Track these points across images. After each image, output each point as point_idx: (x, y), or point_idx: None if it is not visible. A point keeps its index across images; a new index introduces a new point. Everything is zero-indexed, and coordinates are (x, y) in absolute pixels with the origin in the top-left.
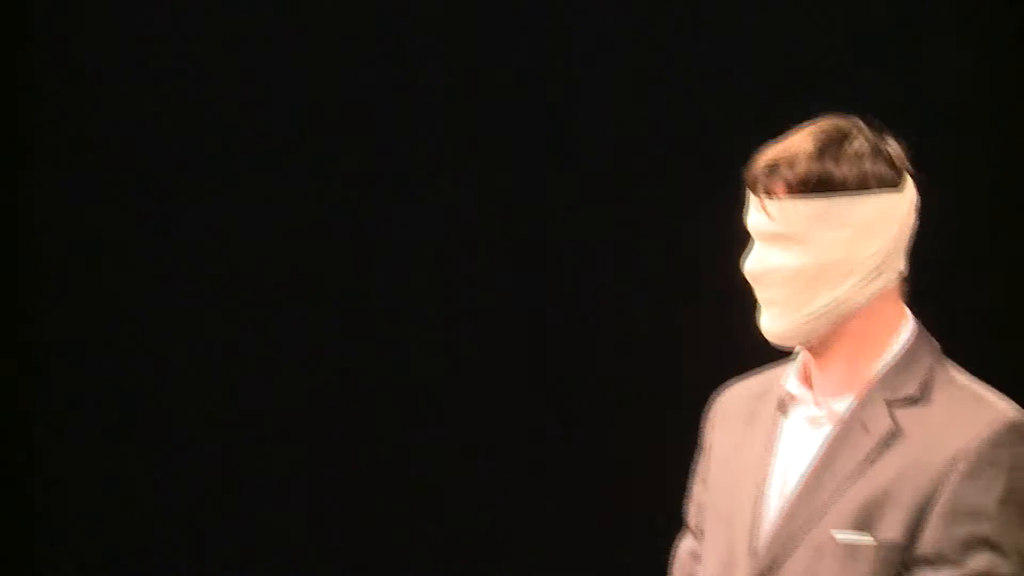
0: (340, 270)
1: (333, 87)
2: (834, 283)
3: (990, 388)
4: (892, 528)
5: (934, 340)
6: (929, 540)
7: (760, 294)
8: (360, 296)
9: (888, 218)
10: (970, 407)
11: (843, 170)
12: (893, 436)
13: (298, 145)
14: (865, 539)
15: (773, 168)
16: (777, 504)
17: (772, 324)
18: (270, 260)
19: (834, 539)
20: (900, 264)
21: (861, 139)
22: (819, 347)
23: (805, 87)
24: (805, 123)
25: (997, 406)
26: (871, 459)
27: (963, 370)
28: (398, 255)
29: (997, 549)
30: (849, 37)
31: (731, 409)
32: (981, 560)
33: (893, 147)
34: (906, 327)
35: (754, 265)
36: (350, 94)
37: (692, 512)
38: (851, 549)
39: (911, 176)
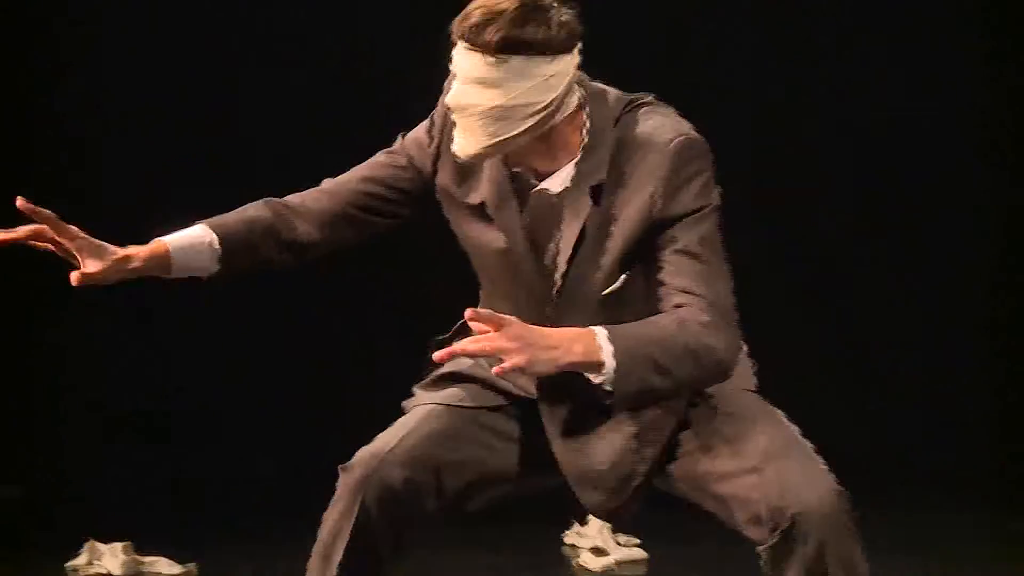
0: None
1: None
2: (517, 121)
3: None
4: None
5: (612, 115)
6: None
7: (458, 121)
8: None
9: (563, 74)
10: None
11: (538, 36)
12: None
13: None
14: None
15: (482, 26)
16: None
17: (463, 146)
18: None
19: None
20: (571, 103)
21: (553, 11)
22: (512, 156)
23: None
24: None
25: (664, 135)
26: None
27: (646, 114)
28: None
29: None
30: None
31: None
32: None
33: (571, 17)
34: (584, 125)
35: (457, 99)
36: None
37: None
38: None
39: (579, 41)
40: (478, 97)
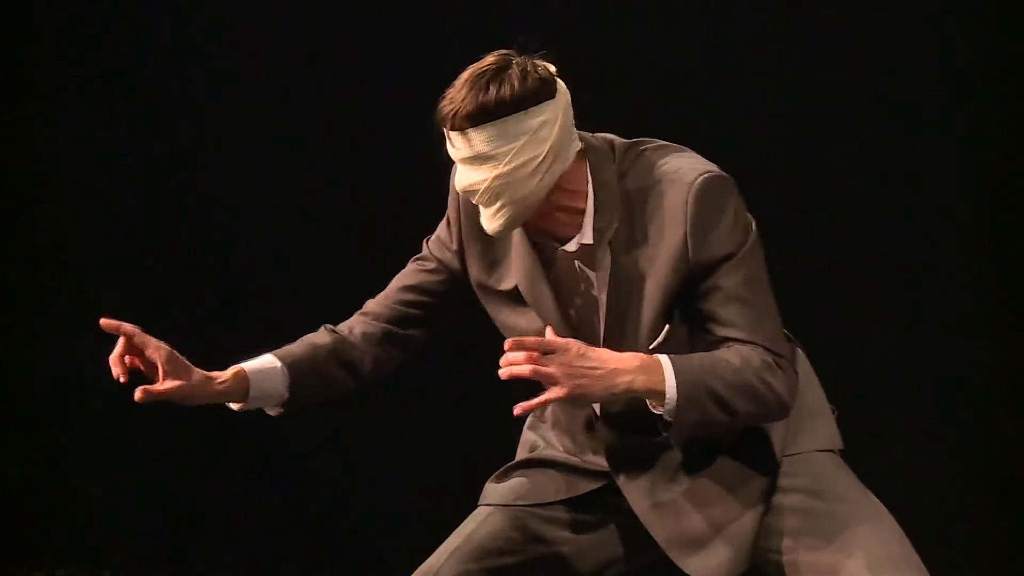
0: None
1: None
2: (522, 180)
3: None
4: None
5: (617, 162)
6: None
7: (474, 202)
8: None
9: (551, 122)
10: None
11: (505, 95)
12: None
13: None
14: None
15: (452, 108)
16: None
17: (489, 225)
18: None
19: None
20: (572, 149)
21: (514, 67)
22: (534, 226)
23: None
24: (469, 65)
25: (682, 177)
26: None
27: (653, 150)
28: None
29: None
30: None
31: None
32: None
33: (541, 64)
34: (598, 179)
35: (462, 183)
36: None
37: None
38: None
39: (560, 80)
40: (478, 174)
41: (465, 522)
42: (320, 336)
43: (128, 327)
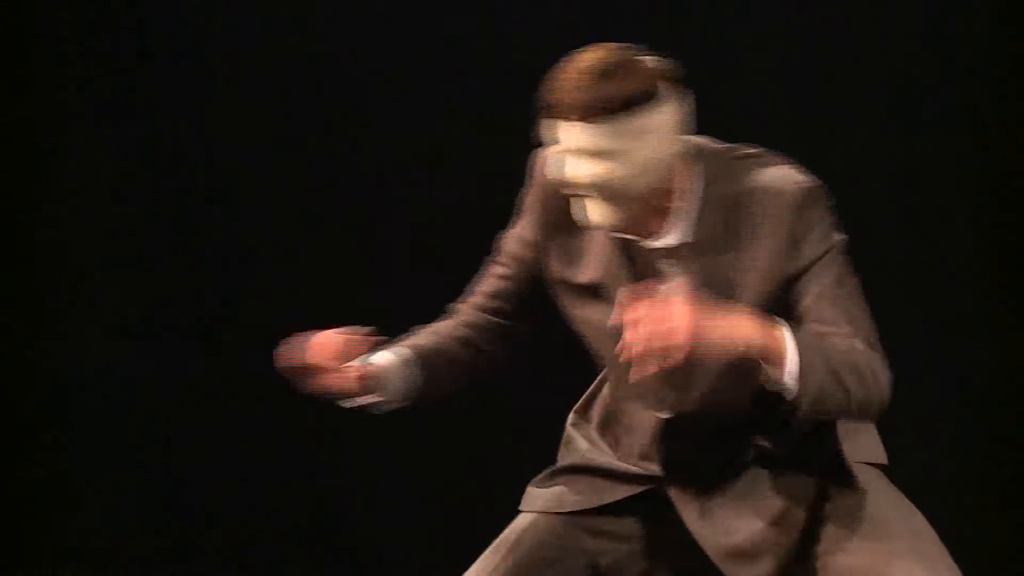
0: None
1: None
2: (638, 179)
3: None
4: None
5: (711, 164)
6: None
7: (581, 193)
8: None
9: (670, 123)
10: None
11: (626, 92)
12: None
13: None
14: None
15: (568, 98)
16: None
17: (596, 219)
18: None
19: None
20: (679, 151)
21: (635, 61)
22: (632, 221)
23: None
24: (582, 50)
25: (785, 183)
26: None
27: (754, 155)
28: None
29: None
30: None
31: None
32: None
33: (661, 63)
34: (693, 180)
35: (573, 174)
36: None
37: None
38: None
39: (678, 83)
40: (595, 168)
41: (507, 532)
42: (435, 325)
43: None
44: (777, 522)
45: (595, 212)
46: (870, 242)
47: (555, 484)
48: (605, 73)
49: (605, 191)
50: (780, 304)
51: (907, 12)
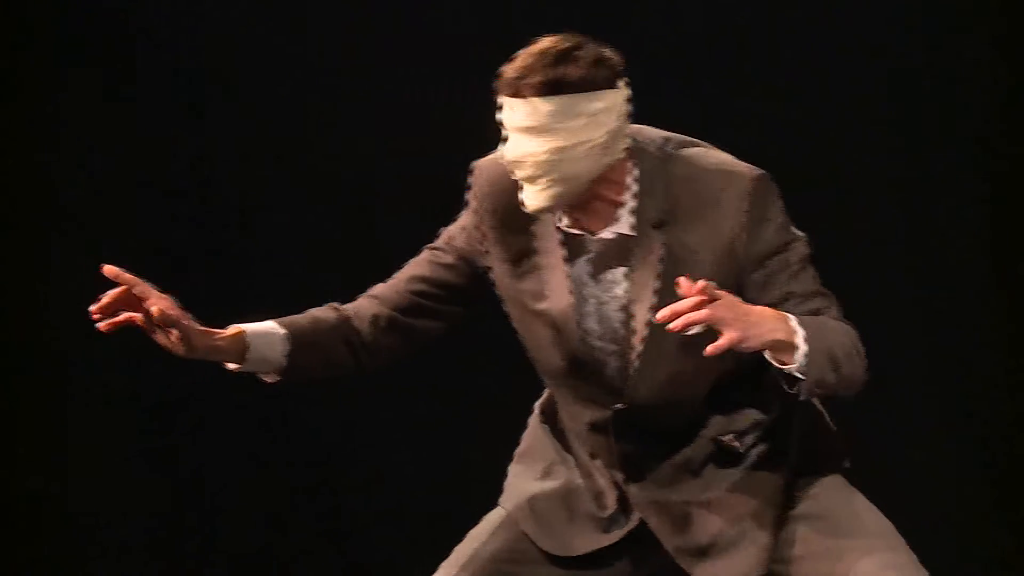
0: None
1: None
2: (574, 160)
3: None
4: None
5: (659, 154)
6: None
7: (519, 174)
8: None
9: (610, 110)
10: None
11: (576, 74)
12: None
13: None
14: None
15: (521, 75)
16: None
17: (532, 200)
18: None
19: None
20: (622, 145)
21: (587, 49)
22: (573, 209)
23: None
24: (539, 39)
25: (732, 171)
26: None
27: (693, 149)
28: None
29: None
30: None
31: None
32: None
33: (611, 56)
34: (633, 176)
35: (513, 152)
36: None
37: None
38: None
39: (624, 78)
40: (534, 145)
41: (480, 526)
42: (326, 311)
43: (129, 276)
44: (742, 526)
45: (531, 193)
46: (870, 242)
47: (536, 500)
48: (552, 56)
49: (543, 169)
50: (735, 284)
51: (907, 12)
